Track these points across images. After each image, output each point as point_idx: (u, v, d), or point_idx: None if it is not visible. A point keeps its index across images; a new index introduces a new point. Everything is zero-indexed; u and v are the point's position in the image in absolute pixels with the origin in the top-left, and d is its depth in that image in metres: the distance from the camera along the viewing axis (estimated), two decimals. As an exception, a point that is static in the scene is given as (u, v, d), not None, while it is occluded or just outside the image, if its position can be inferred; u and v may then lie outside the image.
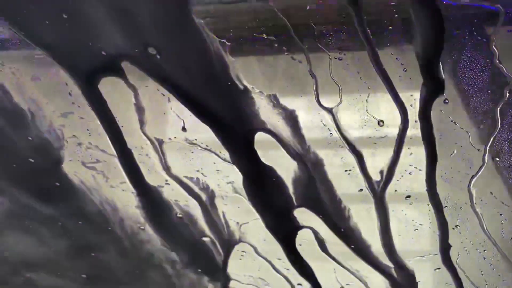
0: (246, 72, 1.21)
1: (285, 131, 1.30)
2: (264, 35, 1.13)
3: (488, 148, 1.23)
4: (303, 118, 1.28)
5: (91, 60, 1.12)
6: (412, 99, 1.20)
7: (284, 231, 1.45)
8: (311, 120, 1.27)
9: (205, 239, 1.53)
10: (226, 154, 1.32)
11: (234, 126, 1.26)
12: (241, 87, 1.21)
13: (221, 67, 1.17)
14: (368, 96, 1.21)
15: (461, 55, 1.11)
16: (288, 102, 1.26)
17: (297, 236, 1.47)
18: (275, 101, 1.25)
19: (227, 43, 1.14)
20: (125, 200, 1.45)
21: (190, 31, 1.11)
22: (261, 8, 1.12)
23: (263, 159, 1.33)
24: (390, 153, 1.29)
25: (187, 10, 1.08)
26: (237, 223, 1.51)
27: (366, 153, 1.30)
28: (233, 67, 1.18)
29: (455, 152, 1.25)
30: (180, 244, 1.55)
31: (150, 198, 1.43)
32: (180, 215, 1.47)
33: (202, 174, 1.40)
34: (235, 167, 1.34)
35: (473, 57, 1.11)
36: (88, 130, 1.32)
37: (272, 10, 1.12)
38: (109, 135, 1.29)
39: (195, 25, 1.10)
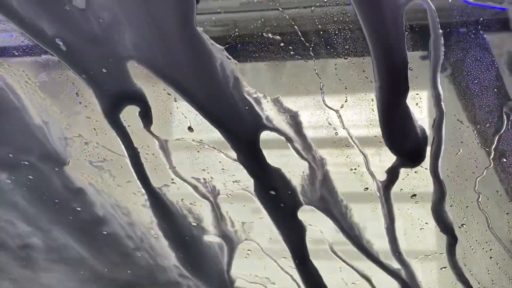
0: (252, 74, 1.22)
1: (291, 131, 1.30)
2: (270, 34, 1.13)
3: (494, 147, 1.23)
4: (309, 118, 1.28)
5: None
6: (418, 97, 1.20)
7: (292, 231, 1.46)
8: (317, 120, 1.27)
9: (210, 238, 1.54)
10: (231, 153, 1.33)
11: (240, 128, 1.27)
12: (246, 90, 1.22)
13: (225, 72, 1.18)
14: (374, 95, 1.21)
15: (467, 53, 1.11)
16: (293, 102, 1.26)
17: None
18: (279, 104, 1.26)
19: (231, 46, 1.15)
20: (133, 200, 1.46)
21: (192, 38, 1.12)
22: (267, 12, 1.13)
23: (269, 159, 1.33)
24: (395, 152, 1.29)
25: (191, 18, 1.10)
26: (243, 222, 1.51)
27: (371, 152, 1.30)
28: (238, 70, 1.19)
29: (461, 151, 1.25)
30: (185, 243, 1.56)
31: (157, 197, 1.44)
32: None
33: (208, 173, 1.41)
34: (240, 165, 1.34)
35: (479, 56, 1.11)
36: (95, 129, 1.33)
37: (278, 12, 1.12)
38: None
39: (198, 33, 1.11)
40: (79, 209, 1.47)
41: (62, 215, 1.49)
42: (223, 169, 1.38)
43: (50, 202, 1.46)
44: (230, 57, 1.17)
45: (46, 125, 1.35)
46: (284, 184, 1.38)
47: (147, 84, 1.24)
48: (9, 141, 1.36)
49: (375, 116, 1.23)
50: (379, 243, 1.47)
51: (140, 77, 1.23)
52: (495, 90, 1.15)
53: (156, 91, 1.25)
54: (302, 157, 1.33)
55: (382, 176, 1.33)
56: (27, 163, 1.39)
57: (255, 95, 1.23)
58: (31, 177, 1.42)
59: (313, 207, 1.42)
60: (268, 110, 1.26)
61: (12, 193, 1.46)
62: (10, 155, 1.38)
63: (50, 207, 1.47)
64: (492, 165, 1.26)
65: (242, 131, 1.27)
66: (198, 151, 1.36)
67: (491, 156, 1.24)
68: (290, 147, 1.32)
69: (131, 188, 1.43)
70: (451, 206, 1.34)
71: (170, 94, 1.23)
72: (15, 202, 1.47)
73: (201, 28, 1.12)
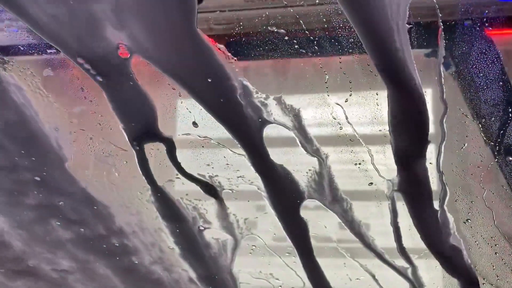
0: (256, 70, 1.22)
1: (295, 128, 1.30)
2: (275, 28, 1.13)
3: (499, 141, 1.22)
4: (313, 112, 1.28)
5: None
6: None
7: (296, 226, 1.46)
8: (321, 114, 1.27)
9: (212, 234, 1.54)
10: (236, 148, 1.33)
11: (244, 127, 1.27)
12: (250, 90, 1.23)
13: (226, 71, 1.19)
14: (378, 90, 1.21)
15: (472, 46, 1.11)
16: (298, 98, 1.26)
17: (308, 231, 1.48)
18: (283, 102, 1.26)
19: (236, 43, 1.16)
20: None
21: (192, 37, 1.13)
22: (272, 9, 1.14)
23: (275, 156, 1.34)
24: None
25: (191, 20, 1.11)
26: (246, 217, 1.51)
27: (376, 146, 1.30)
28: (236, 67, 1.19)
29: (466, 145, 1.25)
30: (190, 239, 1.56)
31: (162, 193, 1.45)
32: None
33: (213, 168, 1.41)
34: (245, 161, 1.34)
35: (484, 48, 1.10)
36: (100, 124, 1.34)
37: (282, 9, 1.13)
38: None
39: (198, 32, 1.12)
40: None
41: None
42: (227, 164, 1.38)
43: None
44: (229, 54, 1.17)
45: (50, 121, 1.36)
46: (288, 179, 1.38)
47: (151, 78, 1.24)
48: (13, 137, 1.37)
49: (380, 110, 1.23)
50: (383, 239, 1.47)
51: (145, 73, 1.23)
52: (500, 82, 1.14)
53: (160, 86, 1.25)
54: (308, 152, 1.33)
55: (386, 170, 1.33)
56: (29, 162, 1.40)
57: (257, 95, 1.23)
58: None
59: (317, 204, 1.42)
60: (272, 107, 1.26)
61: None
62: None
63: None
64: (497, 159, 1.25)
65: (246, 126, 1.27)
66: (202, 146, 1.36)
67: (496, 151, 1.24)
68: (294, 144, 1.32)
69: (137, 183, 1.44)
70: (456, 201, 1.34)
71: (174, 89, 1.24)
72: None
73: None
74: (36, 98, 1.32)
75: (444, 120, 1.20)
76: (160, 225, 1.52)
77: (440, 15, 1.08)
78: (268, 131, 1.29)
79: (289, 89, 1.26)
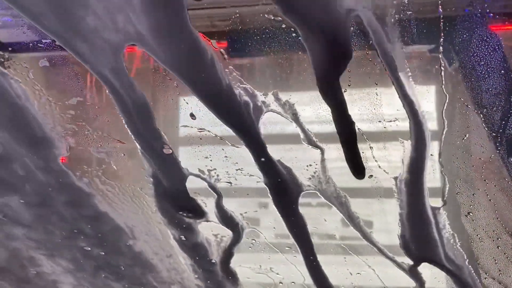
0: (255, 67, 1.22)
1: (295, 124, 1.30)
2: (272, 16, 1.12)
3: (501, 132, 1.20)
4: (315, 109, 1.27)
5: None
6: (426, 91, 1.18)
7: (296, 220, 1.46)
8: (320, 106, 1.26)
9: (211, 229, 1.54)
10: (235, 141, 1.33)
11: (243, 124, 1.27)
12: (247, 88, 1.22)
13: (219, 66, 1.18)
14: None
15: (473, 33, 1.09)
16: (298, 95, 1.26)
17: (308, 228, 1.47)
18: (280, 99, 1.26)
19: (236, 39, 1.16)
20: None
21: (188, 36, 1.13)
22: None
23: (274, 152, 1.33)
24: (400, 144, 1.27)
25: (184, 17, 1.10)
26: (245, 211, 1.51)
27: (377, 143, 1.29)
28: (228, 65, 1.19)
29: (467, 136, 1.23)
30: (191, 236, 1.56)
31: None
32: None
33: (211, 160, 1.40)
34: (243, 154, 1.34)
35: (486, 36, 1.09)
36: (97, 116, 1.33)
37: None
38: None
39: (193, 32, 1.12)
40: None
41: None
42: (225, 156, 1.38)
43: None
44: (222, 51, 1.17)
45: (46, 114, 1.35)
46: (288, 174, 1.38)
47: (152, 72, 1.24)
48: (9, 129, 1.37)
49: (379, 103, 1.22)
50: (386, 236, 1.46)
51: (146, 69, 1.23)
52: (502, 71, 1.12)
53: (160, 80, 1.25)
54: (309, 146, 1.32)
55: (388, 166, 1.32)
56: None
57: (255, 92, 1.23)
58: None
59: (318, 201, 1.41)
60: (271, 105, 1.26)
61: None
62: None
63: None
64: (499, 151, 1.23)
65: (245, 127, 1.28)
66: (200, 139, 1.35)
67: (498, 142, 1.22)
68: (295, 140, 1.31)
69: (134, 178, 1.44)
70: (457, 194, 1.32)
71: (171, 79, 1.23)
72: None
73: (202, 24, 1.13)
74: (32, 90, 1.32)
75: (444, 110, 1.19)
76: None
77: (441, 6, 1.07)
78: (269, 128, 1.29)
79: (288, 84, 1.25)
